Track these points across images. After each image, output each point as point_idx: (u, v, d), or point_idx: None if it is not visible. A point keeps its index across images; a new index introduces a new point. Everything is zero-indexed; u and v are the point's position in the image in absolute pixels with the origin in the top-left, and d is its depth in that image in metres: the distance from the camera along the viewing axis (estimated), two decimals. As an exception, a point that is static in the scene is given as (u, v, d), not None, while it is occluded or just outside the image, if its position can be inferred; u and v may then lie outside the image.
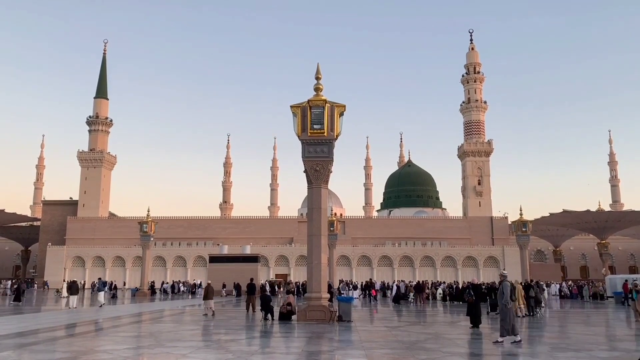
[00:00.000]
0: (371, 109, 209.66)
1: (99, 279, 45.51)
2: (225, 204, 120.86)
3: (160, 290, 60.08)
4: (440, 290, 41.70)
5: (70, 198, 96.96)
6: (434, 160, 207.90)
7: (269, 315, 21.66)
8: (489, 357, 11.63)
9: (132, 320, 22.94)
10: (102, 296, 34.58)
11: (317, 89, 22.06)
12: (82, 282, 66.61)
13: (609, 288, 45.83)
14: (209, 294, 25.85)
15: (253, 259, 56.04)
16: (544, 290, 33.05)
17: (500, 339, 13.86)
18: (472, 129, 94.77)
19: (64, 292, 38.34)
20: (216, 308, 26.49)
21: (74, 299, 30.77)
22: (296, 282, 57.27)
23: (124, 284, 74.13)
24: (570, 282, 60.47)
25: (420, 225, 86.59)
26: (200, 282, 58.80)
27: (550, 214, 79.37)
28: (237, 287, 48.60)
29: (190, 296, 53.47)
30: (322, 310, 20.51)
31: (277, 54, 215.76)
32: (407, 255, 79.95)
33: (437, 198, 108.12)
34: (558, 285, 54.09)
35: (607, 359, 11.73)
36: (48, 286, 74.09)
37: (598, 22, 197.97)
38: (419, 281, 48.73)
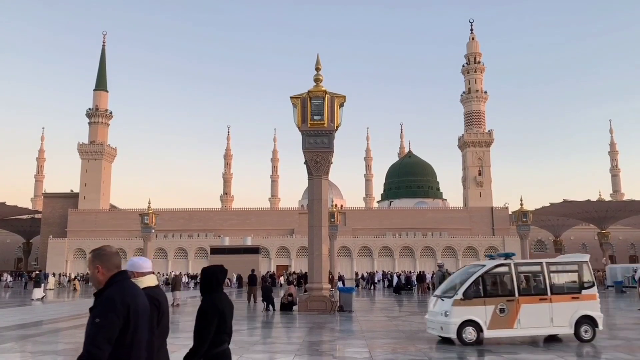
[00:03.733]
0: (371, 100, 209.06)
1: (40, 270, 42.55)
2: (226, 195, 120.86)
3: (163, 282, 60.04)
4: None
5: (71, 190, 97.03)
6: (434, 151, 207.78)
7: (270, 306, 21.77)
8: (489, 346, 11.70)
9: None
10: (40, 290, 31.18)
11: (317, 80, 21.98)
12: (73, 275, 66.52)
13: (609, 277, 45.98)
14: (176, 285, 26.01)
15: (254, 250, 56.17)
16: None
17: None
18: (472, 119, 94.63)
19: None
20: (182, 302, 26.77)
21: (38, 291, 30.29)
22: (297, 273, 57.38)
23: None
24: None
25: (420, 216, 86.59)
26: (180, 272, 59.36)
27: (551, 204, 79.27)
28: (238, 278, 48.86)
29: (194, 286, 53.66)
30: (323, 301, 20.60)
31: (277, 45, 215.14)
32: (408, 245, 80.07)
33: (438, 189, 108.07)
34: None
35: (607, 348, 11.77)
36: (29, 278, 70.51)
37: (599, 8, 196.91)
38: (419, 271, 48.95)
